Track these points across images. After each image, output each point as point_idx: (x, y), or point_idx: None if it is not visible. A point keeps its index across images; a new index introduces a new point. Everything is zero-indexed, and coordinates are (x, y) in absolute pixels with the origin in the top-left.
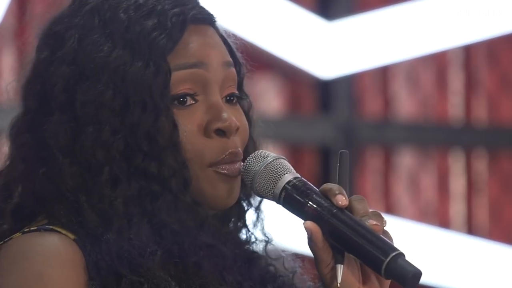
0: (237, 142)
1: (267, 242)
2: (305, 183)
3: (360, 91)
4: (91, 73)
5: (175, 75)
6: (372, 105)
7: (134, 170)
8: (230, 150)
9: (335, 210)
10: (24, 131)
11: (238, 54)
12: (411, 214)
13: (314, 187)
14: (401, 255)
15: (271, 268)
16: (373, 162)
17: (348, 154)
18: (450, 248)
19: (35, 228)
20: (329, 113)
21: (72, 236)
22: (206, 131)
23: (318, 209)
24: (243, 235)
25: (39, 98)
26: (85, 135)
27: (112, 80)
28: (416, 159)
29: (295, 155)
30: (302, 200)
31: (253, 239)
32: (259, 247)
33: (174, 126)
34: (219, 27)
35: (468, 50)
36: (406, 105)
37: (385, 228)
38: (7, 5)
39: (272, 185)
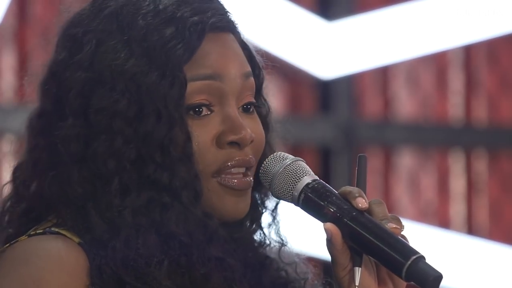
0: (248, 152)
1: (282, 245)
2: (324, 186)
3: (360, 91)
4: (107, 80)
5: (191, 86)
6: (372, 105)
7: (145, 180)
8: (237, 158)
9: (355, 213)
10: (37, 133)
11: (259, 58)
12: (411, 214)
13: (333, 190)
14: (422, 258)
15: (283, 273)
16: (373, 162)
17: (366, 158)
18: (450, 248)
19: (41, 231)
20: (329, 113)
21: (77, 240)
22: (219, 142)
23: (338, 211)
24: (258, 237)
25: (54, 101)
26: (97, 142)
27: (127, 89)
28: (416, 159)
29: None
30: (321, 202)
31: (267, 242)
32: (273, 250)
33: (188, 137)
34: (240, 33)
35: (468, 50)
36: (406, 105)
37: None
38: (7, 5)
39: (291, 187)
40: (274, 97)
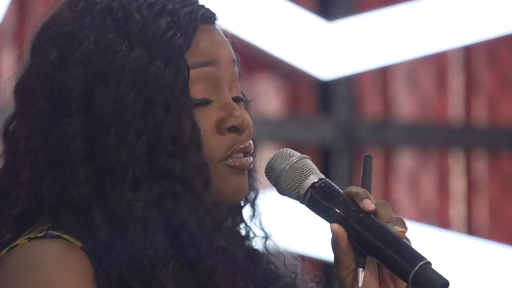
0: (246, 137)
1: (266, 237)
2: (330, 186)
3: (360, 91)
4: (111, 74)
5: (192, 74)
6: (372, 106)
7: (157, 171)
8: (240, 144)
9: (361, 215)
10: (34, 134)
11: (235, 53)
12: (411, 215)
13: (340, 190)
14: (429, 264)
15: (272, 266)
16: (373, 163)
17: (372, 158)
18: (450, 249)
19: (41, 234)
20: (329, 113)
21: (79, 244)
22: (219, 128)
23: (344, 213)
24: (242, 230)
25: (52, 101)
26: (106, 136)
27: (133, 81)
28: (416, 159)
29: None
30: (327, 203)
31: (251, 235)
32: (258, 243)
33: (195, 125)
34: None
35: (468, 51)
36: (406, 106)
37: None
38: (7, 5)
39: (297, 185)
40: (274, 97)
